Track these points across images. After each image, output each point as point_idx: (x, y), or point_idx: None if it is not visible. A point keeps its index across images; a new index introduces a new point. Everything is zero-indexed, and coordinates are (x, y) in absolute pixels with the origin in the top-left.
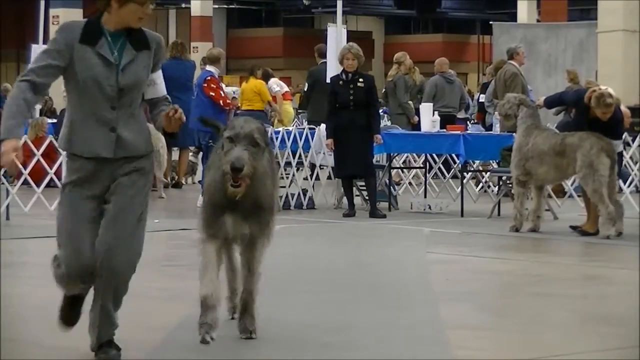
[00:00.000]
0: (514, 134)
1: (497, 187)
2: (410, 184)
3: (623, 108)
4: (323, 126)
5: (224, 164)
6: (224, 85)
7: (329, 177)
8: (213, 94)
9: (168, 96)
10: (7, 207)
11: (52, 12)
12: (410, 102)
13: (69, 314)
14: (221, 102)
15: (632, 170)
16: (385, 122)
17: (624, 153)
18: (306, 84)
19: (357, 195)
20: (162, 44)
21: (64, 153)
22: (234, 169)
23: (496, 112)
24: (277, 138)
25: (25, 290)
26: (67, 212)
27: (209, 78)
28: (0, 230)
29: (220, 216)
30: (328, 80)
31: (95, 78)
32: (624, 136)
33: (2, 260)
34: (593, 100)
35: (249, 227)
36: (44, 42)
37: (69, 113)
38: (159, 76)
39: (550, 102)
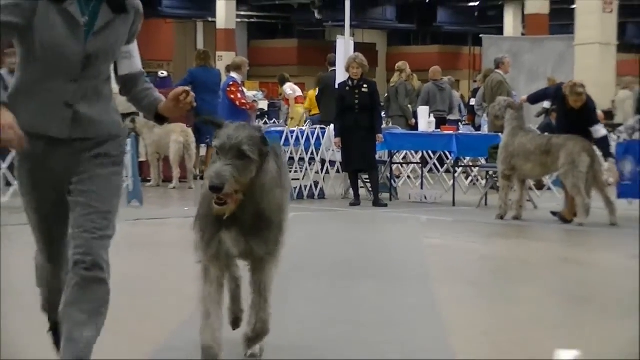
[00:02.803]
0: (500, 134)
1: (484, 180)
2: (408, 177)
3: (598, 111)
4: (332, 126)
5: (205, 179)
6: (245, 90)
7: (338, 171)
8: (233, 97)
9: (144, 71)
10: None
11: None
12: (409, 106)
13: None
14: (237, 103)
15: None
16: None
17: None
18: (317, 89)
19: (362, 187)
20: (141, 11)
21: None
22: (212, 188)
23: (485, 114)
24: (292, 136)
25: None
26: (26, 200)
27: (231, 83)
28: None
29: (217, 232)
30: (337, 86)
31: (56, 41)
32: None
33: None
34: (567, 89)
35: (253, 245)
36: None
37: (16, 80)
38: (135, 48)
39: (534, 98)
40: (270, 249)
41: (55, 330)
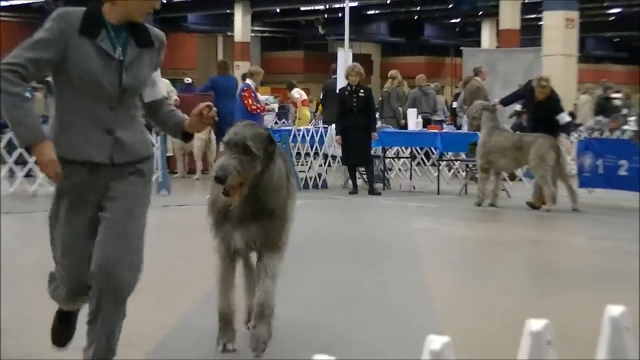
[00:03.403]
0: (478, 132)
1: (465, 172)
2: (399, 169)
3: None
4: (333, 126)
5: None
6: (259, 95)
7: (338, 164)
8: (245, 102)
9: (166, 96)
10: None
11: None
12: (400, 108)
13: (63, 332)
14: (248, 107)
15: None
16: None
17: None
18: (321, 94)
19: (359, 178)
20: (164, 43)
21: None
22: (216, 178)
23: (465, 116)
24: (299, 134)
25: None
26: (60, 226)
27: (245, 89)
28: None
29: (226, 223)
30: (337, 91)
31: (94, 75)
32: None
33: None
34: (535, 81)
35: (258, 236)
36: None
37: (58, 112)
38: (158, 75)
39: (506, 101)
40: (275, 243)
41: (66, 320)
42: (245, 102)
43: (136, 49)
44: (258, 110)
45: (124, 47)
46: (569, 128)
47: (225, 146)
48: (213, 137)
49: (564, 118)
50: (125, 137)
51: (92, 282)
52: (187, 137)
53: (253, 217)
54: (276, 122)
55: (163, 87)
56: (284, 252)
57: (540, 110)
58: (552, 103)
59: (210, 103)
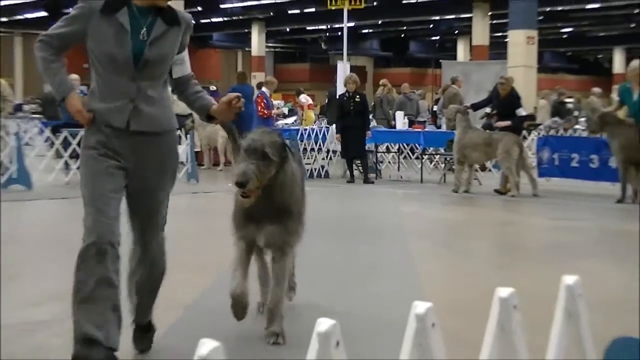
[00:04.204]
0: (454, 131)
1: (443, 164)
2: (389, 162)
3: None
4: (334, 126)
5: (233, 176)
6: (272, 100)
7: (338, 158)
8: (257, 107)
9: (193, 74)
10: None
11: None
12: (390, 111)
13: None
14: (259, 113)
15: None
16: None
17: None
18: (326, 100)
19: (355, 169)
20: (191, 25)
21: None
22: (237, 184)
23: (443, 117)
24: (305, 133)
25: None
26: (87, 174)
27: (258, 96)
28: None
29: (247, 221)
30: (337, 97)
31: (110, 51)
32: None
33: None
34: (499, 81)
35: (273, 234)
36: None
37: (91, 82)
38: (185, 55)
39: (476, 106)
40: (289, 239)
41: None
42: (257, 107)
43: (163, 26)
44: (266, 116)
45: (150, 26)
46: (523, 120)
47: (243, 152)
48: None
49: (521, 112)
50: (144, 108)
51: (134, 254)
52: (210, 119)
53: (271, 217)
54: (294, 122)
55: (189, 66)
56: (295, 253)
57: (503, 106)
58: (513, 99)
59: (239, 94)
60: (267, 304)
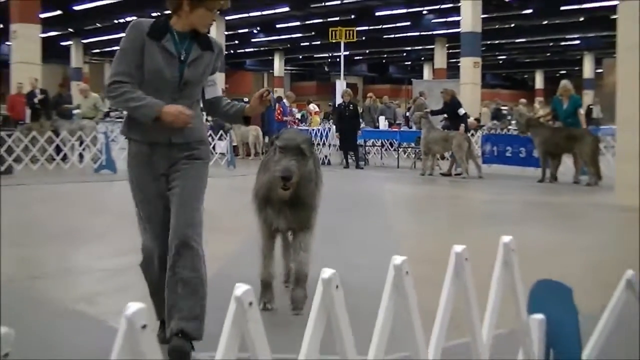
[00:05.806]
0: (421, 131)
1: (414, 155)
2: (374, 153)
3: (471, 120)
4: (334, 127)
5: (276, 171)
6: (289, 108)
7: (337, 150)
8: (276, 114)
9: (223, 95)
10: None
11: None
12: (375, 116)
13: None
14: (277, 118)
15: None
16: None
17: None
18: (331, 109)
19: (350, 159)
20: (222, 51)
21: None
22: (284, 178)
23: (413, 121)
24: (313, 132)
25: None
26: (134, 189)
27: (277, 105)
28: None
29: (269, 209)
30: (336, 106)
31: (160, 70)
32: (464, 113)
33: None
34: (441, 91)
35: (293, 220)
36: None
37: None
38: (217, 78)
39: (435, 112)
40: (307, 225)
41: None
42: (276, 114)
43: (198, 50)
44: (281, 120)
45: (188, 49)
46: (464, 119)
47: (281, 150)
48: (260, 132)
49: (462, 111)
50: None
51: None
52: (247, 120)
53: (289, 204)
54: (298, 125)
55: (220, 88)
56: (314, 230)
57: (449, 109)
58: (454, 103)
59: (269, 88)
60: (293, 269)
